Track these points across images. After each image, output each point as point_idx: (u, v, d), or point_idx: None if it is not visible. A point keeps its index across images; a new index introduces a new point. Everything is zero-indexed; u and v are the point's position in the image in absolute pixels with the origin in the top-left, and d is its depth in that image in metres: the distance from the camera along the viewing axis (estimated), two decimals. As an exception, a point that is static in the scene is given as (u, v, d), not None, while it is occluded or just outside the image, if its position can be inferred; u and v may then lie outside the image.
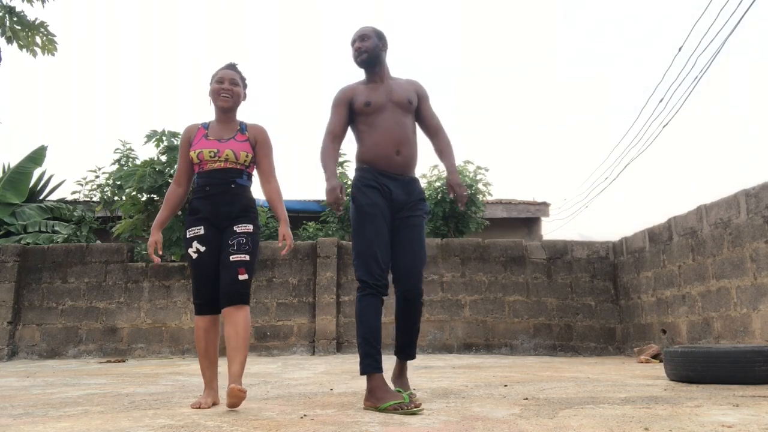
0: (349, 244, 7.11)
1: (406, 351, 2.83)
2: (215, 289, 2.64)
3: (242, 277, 2.60)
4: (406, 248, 2.69)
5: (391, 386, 2.67)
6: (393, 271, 2.70)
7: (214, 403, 2.60)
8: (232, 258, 2.61)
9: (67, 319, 7.08)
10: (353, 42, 2.89)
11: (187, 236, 2.68)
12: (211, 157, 2.70)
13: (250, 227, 2.69)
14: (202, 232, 2.65)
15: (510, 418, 2.17)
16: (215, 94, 2.76)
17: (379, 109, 2.79)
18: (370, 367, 2.50)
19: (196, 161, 2.72)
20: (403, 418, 2.19)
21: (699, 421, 2.06)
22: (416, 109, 2.89)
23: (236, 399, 2.40)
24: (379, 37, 2.88)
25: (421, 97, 2.92)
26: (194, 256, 2.64)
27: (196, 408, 2.51)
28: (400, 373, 2.84)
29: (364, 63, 2.86)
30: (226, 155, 2.70)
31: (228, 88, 2.77)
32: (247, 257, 2.63)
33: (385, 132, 2.75)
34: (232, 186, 2.70)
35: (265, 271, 7.29)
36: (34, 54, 5.01)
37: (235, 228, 2.67)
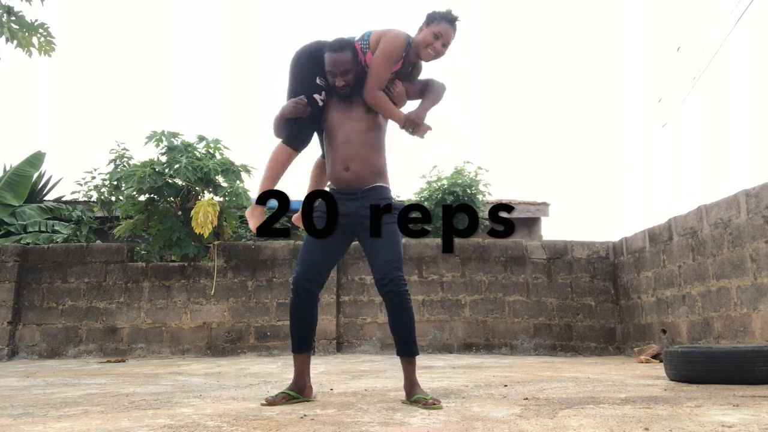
0: (351, 245, 7.09)
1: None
2: None
3: None
4: None
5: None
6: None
7: None
8: None
9: (67, 319, 7.08)
10: (333, 75, 2.56)
11: None
12: None
13: None
14: None
15: (510, 418, 2.17)
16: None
17: None
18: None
19: None
20: (404, 418, 2.19)
21: (699, 421, 2.06)
22: None
23: None
24: (356, 55, 2.57)
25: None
26: None
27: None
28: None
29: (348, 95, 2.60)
30: None
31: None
32: None
33: None
34: None
35: (265, 271, 7.29)
36: (30, 54, 4.98)
37: None
